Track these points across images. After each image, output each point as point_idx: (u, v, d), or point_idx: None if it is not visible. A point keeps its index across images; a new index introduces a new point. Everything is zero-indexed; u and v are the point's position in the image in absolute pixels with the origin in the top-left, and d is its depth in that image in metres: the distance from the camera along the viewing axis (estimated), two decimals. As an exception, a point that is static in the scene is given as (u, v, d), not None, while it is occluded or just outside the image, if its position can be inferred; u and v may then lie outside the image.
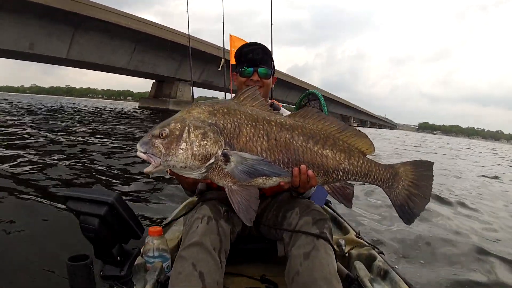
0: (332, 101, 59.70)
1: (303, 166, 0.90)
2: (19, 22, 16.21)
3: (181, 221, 1.60)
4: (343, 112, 79.25)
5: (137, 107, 32.95)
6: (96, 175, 4.21)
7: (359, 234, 1.48)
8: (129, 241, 0.97)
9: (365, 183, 0.98)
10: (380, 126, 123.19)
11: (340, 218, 1.68)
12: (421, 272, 2.15)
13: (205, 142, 0.84)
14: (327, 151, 0.93)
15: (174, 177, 0.94)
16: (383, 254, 1.33)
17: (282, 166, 0.90)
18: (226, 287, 1.14)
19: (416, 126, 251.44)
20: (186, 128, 0.85)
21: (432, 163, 1.00)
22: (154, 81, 31.97)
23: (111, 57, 21.19)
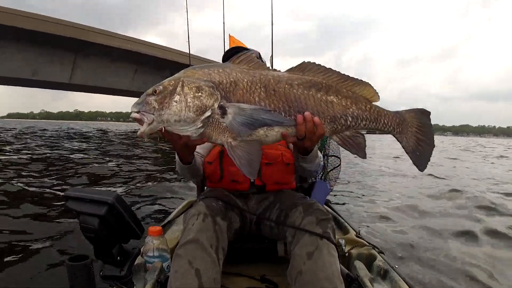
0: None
1: (307, 113, 0.86)
2: (21, 50, 16.73)
3: (181, 220, 1.59)
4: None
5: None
6: (97, 175, 4.21)
7: (359, 234, 1.47)
8: (129, 241, 0.97)
9: (376, 131, 0.95)
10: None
11: (340, 218, 1.68)
12: (421, 272, 2.15)
13: (199, 94, 0.81)
14: (331, 97, 0.89)
15: (167, 139, 0.88)
16: (383, 253, 1.33)
17: (283, 114, 0.86)
18: (226, 287, 1.14)
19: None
20: (180, 83, 0.82)
21: (429, 112, 1.00)
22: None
23: (114, 79, 21.45)
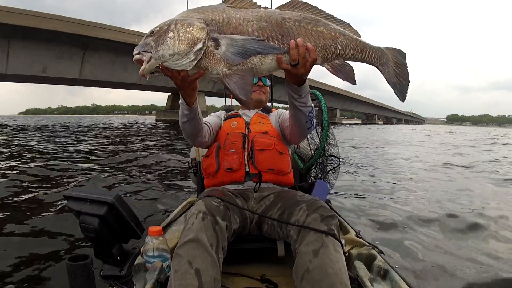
0: (353, 100, 59.12)
1: (299, 39, 0.91)
2: (31, 47, 17.23)
3: (181, 220, 1.60)
4: (367, 111, 77.57)
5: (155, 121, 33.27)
6: (97, 175, 4.21)
7: (359, 234, 1.48)
8: (129, 241, 0.97)
9: (362, 62, 1.01)
10: (406, 122, 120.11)
11: (340, 218, 1.68)
12: (421, 272, 2.15)
13: (191, 28, 0.86)
14: (321, 28, 0.95)
15: (167, 75, 0.93)
16: (383, 253, 1.33)
17: (276, 43, 0.91)
18: (226, 287, 1.14)
19: (444, 119, 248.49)
20: (174, 22, 0.88)
21: (405, 53, 1.08)
22: (170, 94, 32.45)
23: (123, 74, 21.72)
